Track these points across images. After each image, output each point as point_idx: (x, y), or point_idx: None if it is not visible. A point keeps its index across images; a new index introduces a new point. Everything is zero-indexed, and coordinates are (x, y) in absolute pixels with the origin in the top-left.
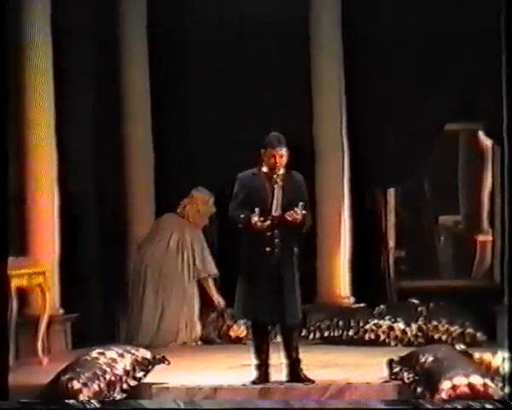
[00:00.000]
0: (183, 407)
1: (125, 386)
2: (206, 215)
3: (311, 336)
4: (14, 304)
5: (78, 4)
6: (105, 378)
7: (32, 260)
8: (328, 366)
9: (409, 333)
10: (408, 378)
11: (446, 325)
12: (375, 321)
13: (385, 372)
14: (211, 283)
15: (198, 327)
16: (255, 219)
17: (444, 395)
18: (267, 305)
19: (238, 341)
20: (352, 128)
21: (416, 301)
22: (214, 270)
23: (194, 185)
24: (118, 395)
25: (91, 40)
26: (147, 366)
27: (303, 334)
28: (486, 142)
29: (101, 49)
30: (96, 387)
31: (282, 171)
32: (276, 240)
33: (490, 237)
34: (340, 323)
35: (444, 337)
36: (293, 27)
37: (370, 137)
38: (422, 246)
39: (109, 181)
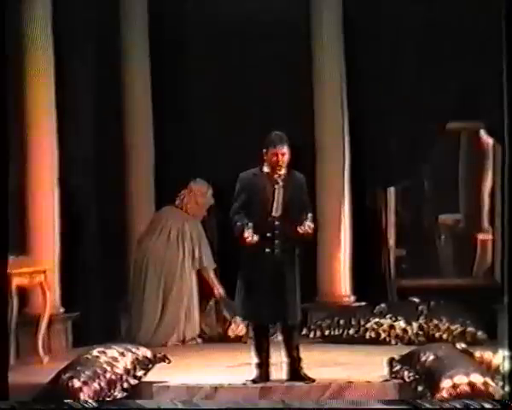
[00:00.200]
0: (180, 406)
1: (125, 385)
2: (204, 207)
3: (312, 334)
4: (15, 303)
5: (78, 4)
6: (105, 377)
7: (33, 258)
8: (328, 364)
9: (409, 332)
10: (408, 377)
11: (447, 324)
12: (376, 320)
13: (385, 371)
14: (211, 273)
15: (197, 319)
16: (246, 234)
17: (444, 394)
18: (267, 305)
19: (238, 339)
20: (353, 127)
21: (416, 300)
22: (213, 261)
23: None
24: (118, 394)
25: (92, 40)
26: (147, 364)
27: (303, 333)
28: (487, 140)
29: (102, 49)
30: (96, 386)
31: (283, 171)
32: (277, 241)
33: (490, 236)
34: (341, 321)
35: (444, 336)
36: (294, 26)
37: (371, 136)
38: (423, 245)
39: (109, 180)
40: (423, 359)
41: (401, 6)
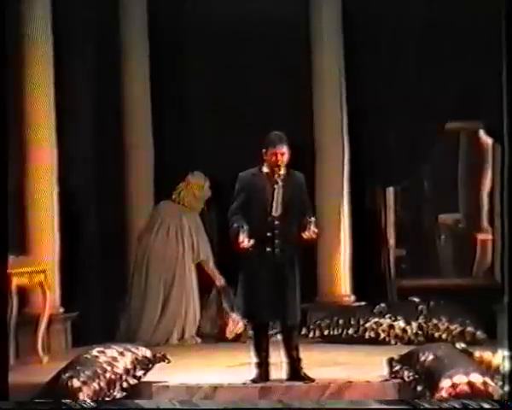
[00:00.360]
0: (179, 406)
1: (125, 385)
2: (202, 199)
3: (312, 334)
4: (15, 303)
5: (78, 4)
6: (105, 377)
7: (33, 258)
8: (328, 364)
9: (409, 331)
10: (408, 377)
11: (446, 324)
12: (376, 320)
13: (385, 371)
14: (211, 264)
15: (198, 314)
16: (241, 238)
17: (444, 394)
18: (267, 304)
19: (237, 337)
20: (353, 127)
21: (416, 300)
22: (211, 253)
23: None
24: (118, 394)
25: (91, 40)
26: (147, 364)
27: (303, 332)
28: (487, 140)
29: (102, 49)
30: (96, 385)
31: (282, 170)
32: (277, 240)
33: (490, 236)
34: (341, 321)
35: (444, 336)
36: (293, 25)
37: (370, 136)
38: (423, 244)
39: (109, 180)
40: (423, 359)
41: (401, 5)
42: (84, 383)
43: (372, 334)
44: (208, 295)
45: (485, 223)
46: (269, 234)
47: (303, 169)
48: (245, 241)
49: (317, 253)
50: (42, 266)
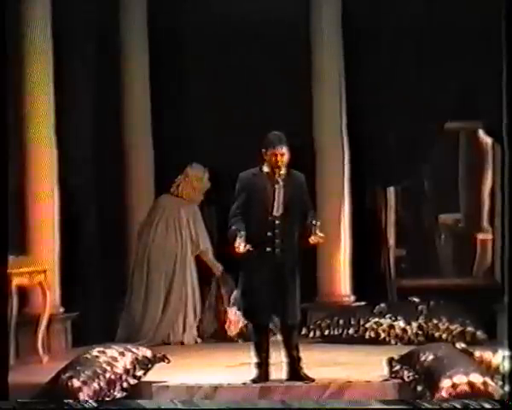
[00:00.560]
0: (180, 406)
1: (125, 385)
2: (201, 191)
3: (312, 334)
4: (15, 303)
5: (78, 4)
6: (105, 377)
7: (33, 258)
8: (328, 364)
9: (409, 331)
10: (408, 377)
11: (447, 324)
12: (376, 320)
13: (385, 371)
14: (210, 254)
15: (198, 306)
16: (237, 243)
17: (444, 394)
18: (268, 305)
19: (238, 334)
20: (353, 127)
21: (416, 300)
22: (210, 244)
23: None
24: (118, 394)
25: (91, 40)
26: (147, 364)
27: (303, 332)
28: (486, 140)
29: (101, 49)
30: (96, 385)
31: (283, 170)
32: (277, 240)
33: (490, 236)
34: (341, 321)
35: (444, 336)
36: (293, 25)
37: (371, 136)
38: (423, 244)
39: (109, 180)
40: (423, 358)
41: (401, 5)
42: (84, 383)
43: (372, 334)
44: (209, 288)
45: (485, 223)
46: (269, 234)
47: (303, 169)
48: (240, 246)
49: (317, 253)
50: (42, 266)
